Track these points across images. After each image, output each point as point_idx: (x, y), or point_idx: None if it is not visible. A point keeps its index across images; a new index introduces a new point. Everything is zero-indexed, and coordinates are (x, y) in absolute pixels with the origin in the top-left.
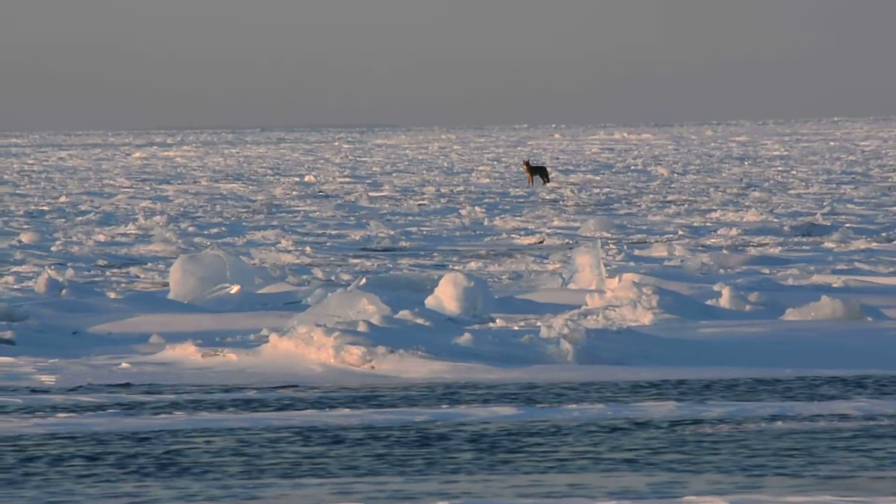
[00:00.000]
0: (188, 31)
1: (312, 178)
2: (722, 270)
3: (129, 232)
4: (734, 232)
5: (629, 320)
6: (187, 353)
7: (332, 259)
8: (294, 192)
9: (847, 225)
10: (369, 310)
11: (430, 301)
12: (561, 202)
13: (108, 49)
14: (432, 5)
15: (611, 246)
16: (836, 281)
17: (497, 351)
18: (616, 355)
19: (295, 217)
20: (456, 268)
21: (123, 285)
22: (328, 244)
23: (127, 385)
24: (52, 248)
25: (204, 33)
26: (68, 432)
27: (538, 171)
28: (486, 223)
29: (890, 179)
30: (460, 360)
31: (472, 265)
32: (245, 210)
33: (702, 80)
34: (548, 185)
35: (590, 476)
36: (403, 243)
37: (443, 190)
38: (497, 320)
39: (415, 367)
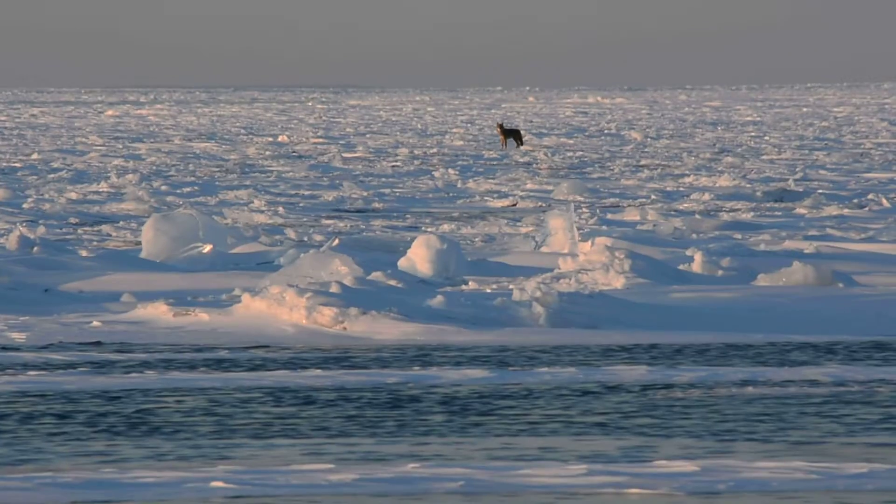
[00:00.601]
0: None
1: (286, 138)
2: (694, 235)
3: (101, 190)
4: (707, 197)
5: (601, 284)
6: (159, 312)
7: (304, 220)
8: (267, 152)
9: (819, 191)
10: (342, 271)
11: (402, 263)
12: (534, 165)
13: (81, 6)
14: None
15: (584, 210)
16: (808, 247)
17: (469, 313)
18: (588, 319)
19: (268, 177)
20: (429, 230)
21: (95, 243)
22: (301, 205)
23: (98, 343)
24: (24, 206)
25: None
26: (39, 390)
27: (512, 134)
28: (459, 185)
29: (862, 146)
30: (432, 322)
31: (445, 227)
32: (218, 169)
33: (676, 45)
34: (521, 147)
35: (561, 439)
36: (376, 205)
37: (416, 152)
38: (469, 283)
39: (387, 329)
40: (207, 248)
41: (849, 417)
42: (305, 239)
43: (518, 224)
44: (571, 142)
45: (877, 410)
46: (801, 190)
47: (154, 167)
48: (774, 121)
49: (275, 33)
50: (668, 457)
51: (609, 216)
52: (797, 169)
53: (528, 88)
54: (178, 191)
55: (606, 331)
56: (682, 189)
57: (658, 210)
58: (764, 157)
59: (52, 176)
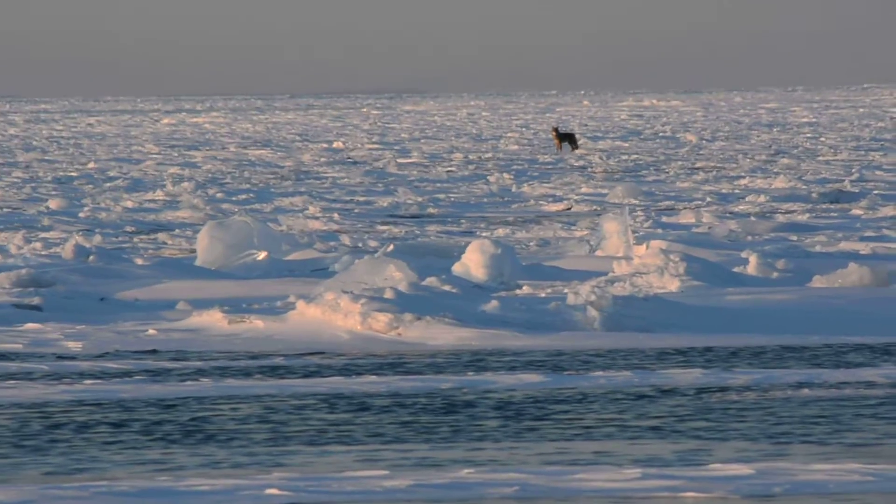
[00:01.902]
0: (217, 2)
1: (341, 144)
2: (749, 237)
3: (156, 198)
4: (762, 199)
5: (656, 287)
6: (214, 319)
7: (359, 226)
8: (322, 159)
9: (875, 192)
10: (396, 276)
11: (457, 268)
12: (589, 169)
13: (139, 15)
14: None
15: (638, 213)
16: (864, 248)
17: (524, 318)
18: (643, 322)
19: (323, 183)
20: (483, 234)
21: (151, 251)
22: (356, 211)
23: (153, 351)
24: (80, 214)
25: (234, 2)
26: (94, 399)
27: (567, 138)
28: (514, 190)
29: None
30: (487, 327)
31: (500, 232)
32: (273, 176)
33: (731, 48)
34: (576, 151)
35: (616, 443)
36: (431, 210)
37: (471, 157)
38: (524, 287)
39: (441, 334)
40: (262, 255)
41: None
42: (360, 245)
43: (573, 228)
44: (626, 145)
45: None
46: (856, 191)
47: (209, 175)
48: (830, 122)
49: (329, 40)
50: (724, 460)
51: (664, 219)
52: (853, 170)
53: (582, 92)
54: (234, 198)
55: (661, 334)
56: (737, 191)
57: (713, 212)
58: (820, 158)
59: (108, 185)
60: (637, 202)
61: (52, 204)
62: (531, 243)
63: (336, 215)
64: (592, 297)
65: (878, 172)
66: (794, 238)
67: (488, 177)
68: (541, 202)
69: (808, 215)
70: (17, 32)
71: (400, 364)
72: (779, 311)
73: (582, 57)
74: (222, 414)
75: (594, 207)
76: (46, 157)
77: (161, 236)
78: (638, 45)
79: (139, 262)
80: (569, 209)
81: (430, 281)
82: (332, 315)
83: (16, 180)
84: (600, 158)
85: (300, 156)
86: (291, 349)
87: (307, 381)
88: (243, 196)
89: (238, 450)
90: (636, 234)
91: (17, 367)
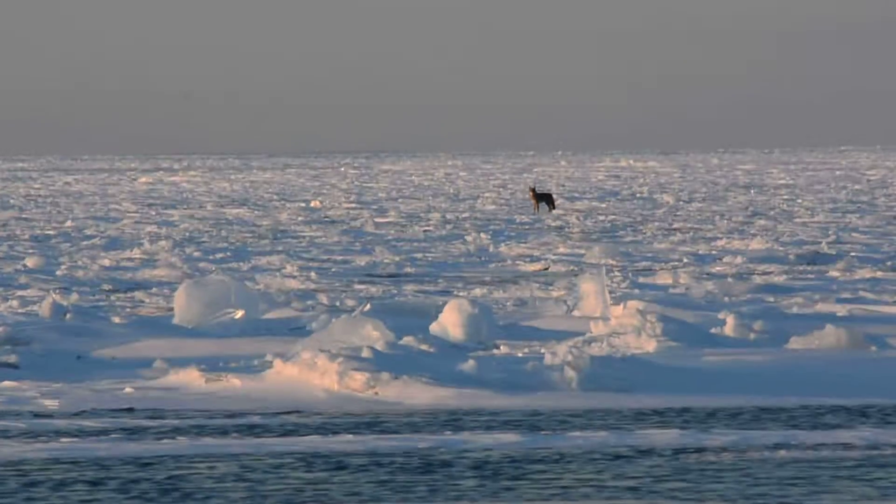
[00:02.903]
0: (194, 60)
1: (318, 203)
2: (727, 298)
3: (134, 257)
4: (739, 260)
5: (633, 348)
6: (191, 378)
7: (336, 285)
8: (299, 218)
9: (852, 254)
10: (373, 336)
11: (434, 327)
12: (566, 229)
13: (116, 75)
14: (437, 32)
15: (616, 273)
16: (841, 310)
17: (501, 378)
18: (620, 383)
19: (300, 242)
20: (461, 294)
21: (128, 310)
22: (333, 270)
23: (130, 410)
24: (57, 273)
25: (210, 61)
26: (71, 457)
27: (544, 198)
28: (491, 250)
29: (895, 209)
30: (464, 387)
31: (477, 292)
32: (250, 235)
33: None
34: (553, 211)
35: None
36: (408, 269)
37: (448, 216)
38: (501, 347)
39: (418, 394)
40: (239, 313)
41: (883, 481)
42: (337, 304)
43: (550, 288)
44: (604, 205)
45: None
46: (833, 253)
47: (187, 233)
48: (807, 184)
49: (306, 100)
50: None
51: (641, 280)
52: (830, 232)
53: (560, 152)
54: (211, 257)
55: (638, 394)
56: (714, 252)
57: (690, 273)
58: (797, 219)
59: (85, 243)
60: (614, 263)
61: (29, 262)
62: (508, 303)
63: (313, 274)
64: (570, 358)
65: (854, 234)
66: (772, 299)
67: (465, 236)
68: (518, 262)
69: (784, 277)
70: None
71: (377, 423)
72: (756, 373)
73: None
74: (199, 473)
75: (571, 268)
76: (24, 216)
77: (138, 295)
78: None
79: (116, 320)
80: (546, 269)
81: (408, 340)
82: (309, 374)
83: None
84: (577, 219)
85: (277, 215)
86: (268, 408)
87: (284, 439)
88: (220, 255)
89: None
90: (613, 295)
91: None
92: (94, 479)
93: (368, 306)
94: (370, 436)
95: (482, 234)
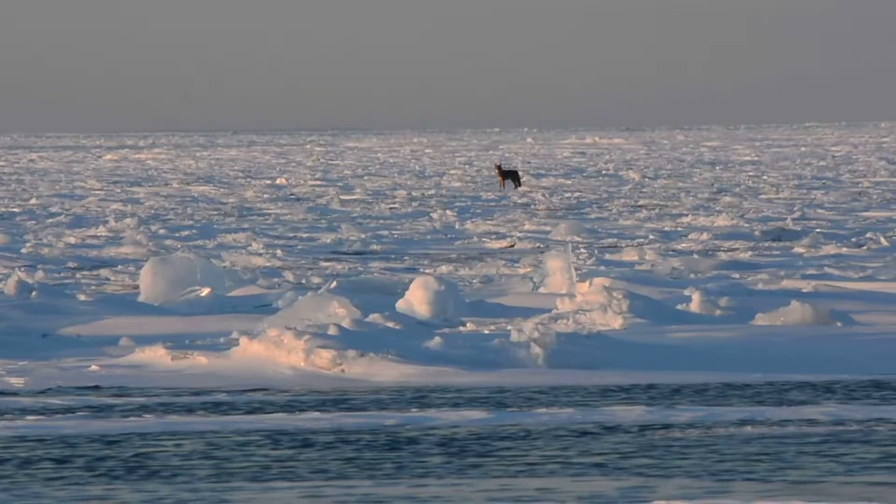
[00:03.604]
0: (159, 36)
1: (284, 180)
2: (692, 275)
3: (99, 234)
4: (705, 236)
5: (599, 324)
6: (157, 355)
7: (302, 262)
8: (265, 195)
9: (817, 230)
10: (340, 313)
11: (400, 305)
12: (532, 206)
13: (80, 52)
14: (404, 10)
15: (582, 250)
16: (806, 286)
17: (467, 355)
18: (586, 359)
19: (266, 220)
20: (427, 271)
21: (94, 288)
22: (299, 247)
23: (96, 387)
24: (22, 251)
25: (175, 37)
26: (37, 435)
27: (510, 175)
28: (457, 227)
29: (860, 185)
30: (430, 364)
31: (443, 269)
32: (216, 213)
33: (673, 86)
34: (519, 188)
35: (559, 480)
36: (374, 247)
37: (414, 193)
38: (467, 324)
39: (385, 371)
40: (205, 291)
41: (847, 456)
42: (303, 281)
43: (516, 265)
44: (569, 182)
45: (875, 449)
46: (799, 229)
47: (152, 211)
48: (772, 160)
49: (273, 76)
50: (667, 497)
51: (607, 256)
52: (795, 208)
53: (525, 129)
54: (177, 234)
55: (604, 371)
56: (679, 229)
57: (656, 250)
58: (762, 196)
59: (50, 220)
60: (580, 239)
61: None
62: (474, 280)
63: (279, 252)
64: (536, 335)
65: (819, 211)
66: (737, 276)
67: (431, 214)
68: (484, 239)
69: (750, 253)
70: None
71: (343, 400)
72: (721, 349)
73: (525, 94)
74: (165, 450)
75: (537, 245)
76: None
77: (104, 272)
78: (580, 83)
79: (82, 297)
80: (512, 246)
81: (374, 317)
82: (275, 351)
83: None
84: (543, 196)
85: (243, 192)
86: (234, 385)
87: (250, 417)
88: (186, 232)
89: (181, 486)
90: (579, 272)
91: None
92: (60, 456)
93: (335, 284)
94: (337, 413)
95: (448, 212)
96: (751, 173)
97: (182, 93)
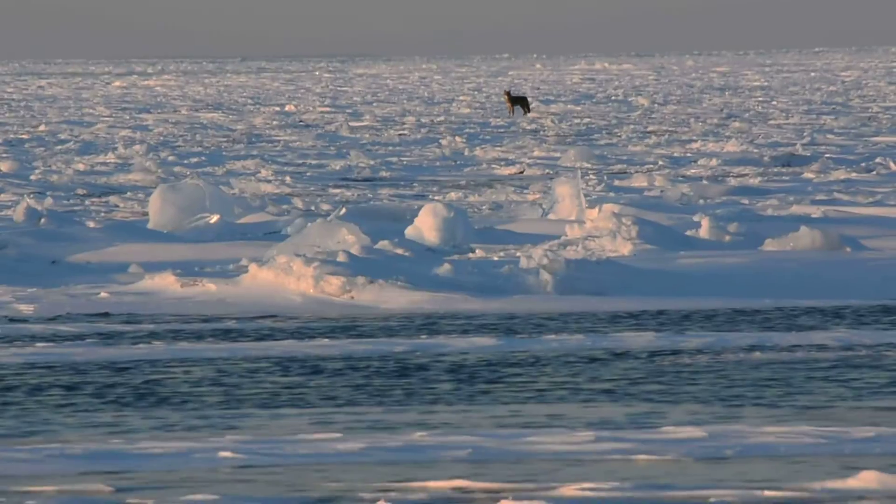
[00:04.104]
0: None
1: (293, 107)
2: (701, 201)
3: (108, 161)
4: (714, 162)
5: (609, 251)
6: (166, 282)
7: (311, 189)
8: (274, 122)
9: (827, 155)
10: (349, 240)
11: (409, 231)
12: (541, 132)
13: None
14: None
15: (591, 176)
16: (816, 211)
17: (476, 281)
18: (595, 286)
19: (275, 147)
20: (436, 198)
21: (103, 214)
22: (308, 174)
23: (106, 314)
24: (31, 177)
25: None
26: (46, 362)
27: (519, 101)
28: (466, 153)
29: (870, 110)
30: (440, 291)
31: (453, 195)
32: (225, 140)
33: (683, 11)
34: (528, 115)
35: (569, 406)
36: (384, 173)
37: (423, 120)
38: (477, 251)
39: (394, 298)
40: (214, 218)
41: (856, 382)
42: (312, 208)
43: (525, 192)
44: (578, 108)
45: (884, 374)
46: (808, 154)
47: (161, 138)
48: (782, 85)
49: (280, 4)
50: (676, 423)
51: (616, 183)
52: (805, 133)
53: (535, 55)
54: (186, 161)
55: (614, 297)
56: (689, 155)
57: (665, 176)
58: (771, 122)
59: (59, 147)
60: (589, 166)
61: (3, 166)
62: (484, 207)
63: (288, 178)
64: (545, 261)
65: (829, 136)
66: (746, 202)
67: (440, 140)
68: (493, 166)
69: (759, 179)
70: None
71: (353, 327)
72: (731, 275)
73: (534, 20)
74: (175, 377)
75: (546, 171)
76: None
77: (113, 199)
78: (590, 9)
79: (91, 224)
80: (521, 173)
81: (383, 244)
82: (284, 278)
83: None
84: (552, 122)
85: (252, 119)
86: (244, 312)
87: (260, 344)
88: (195, 159)
89: (191, 413)
90: (588, 198)
91: None
92: (69, 383)
93: (344, 210)
94: (346, 340)
95: (457, 138)
96: (760, 99)
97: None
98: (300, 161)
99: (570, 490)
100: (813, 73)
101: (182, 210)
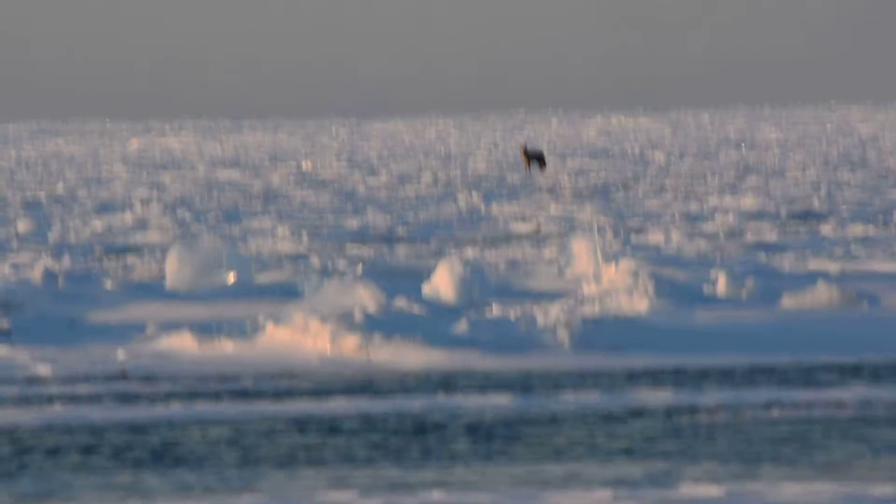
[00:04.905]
0: (185, 21)
1: (309, 164)
2: (718, 256)
3: (125, 220)
4: (731, 218)
5: (625, 307)
6: (183, 341)
7: (328, 247)
8: (291, 179)
9: (844, 210)
10: (365, 298)
11: (426, 289)
12: (558, 188)
13: (106, 36)
14: None
15: (607, 232)
16: (833, 267)
17: (493, 339)
18: (612, 343)
19: (291, 204)
20: (452, 255)
21: (120, 274)
22: (325, 232)
23: (123, 375)
24: (49, 237)
25: (201, 21)
26: (64, 423)
27: (535, 157)
28: (482, 210)
29: (887, 164)
30: (456, 348)
31: (469, 252)
32: (242, 197)
33: (698, 66)
34: (545, 171)
35: (586, 465)
36: (400, 230)
37: (440, 176)
38: (493, 308)
39: (411, 356)
40: (231, 277)
41: (875, 438)
42: (329, 266)
43: (542, 248)
44: (595, 164)
45: None
46: (825, 209)
47: (178, 196)
48: (798, 140)
49: (298, 62)
50: (694, 480)
51: (633, 238)
52: (821, 188)
53: (551, 110)
54: (202, 219)
55: (631, 354)
56: (705, 210)
57: (682, 231)
58: (788, 176)
59: (76, 207)
60: (606, 222)
61: (21, 226)
62: (500, 264)
63: (305, 236)
64: (562, 318)
65: (846, 191)
66: (763, 257)
67: (457, 197)
68: (509, 222)
69: (776, 234)
70: None
71: (370, 386)
72: (748, 331)
73: (550, 75)
74: (192, 437)
75: (563, 227)
76: (15, 179)
77: (130, 258)
78: (606, 64)
79: (108, 284)
80: (538, 229)
81: (400, 302)
82: (301, 337)
83: None
84: (569, 178)
85: (269, 177)
86: (261, 371)
87: (277, 403)
88: (212, 217)
89: (208, 473)
90: (605, 254)
91: None
92: (87, 444)
93: (360, 268)
94: (362, 399)
95: (474, 194)
96: (777, 153)
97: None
98: (316, 219)
99: None
100: (829, 128)
101: (199, 269)
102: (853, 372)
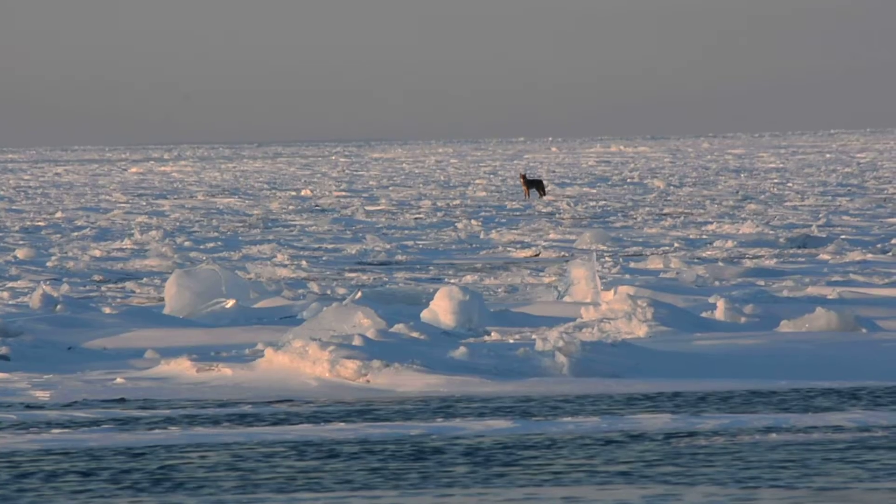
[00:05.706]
0: (184, 48)
1: (309, 192)
2: (717, 282)
3: (124, 247)
4: (730, 244)
5: (624, 333)
6: (182, 367)
7: (327, 273)
8: (290, 207)
9: (842, 237)
10: (364, 323)
11: (425, 315)
12: (557, 215)
13: (105, 65)
14: (428, 20)
15: (606, 258)
16: (832, 293)
17: (492, 364)
18: (611, 368)
19: (291, 231)
20: (451, 281)
21: (119, 300)
22: (324, 258)
23: (122, 400)
24: (48, 264)
25: (201, 49)
26: (62, 448)
27: (534, 185)
28: (482, 236)
29: (885, 191)
30: (455, 374)
31: (468, 278)
32: (241, 224)
33: (698, 94)
34: (544, 198)
35: (585, 489)
36: (399, 257)
37: (439, 203)
38: (492, 333)
39: (410, 381)
40: (230, 303)
41: (873, 463)
42: (328, 292)
43: (541, 274)
44: (594, 191)
45: None
46: (824, 236)
47: (177, 223)
48: (797, 167)
49: (298, 90)
50: None
51: (632, 265)
52: (820, 215)
53: (550, 138)
54: (202, 246)
55: (629, 379)
56: (704, 237)
57: (681, 258)
58: (787, 203)
59: (75, 234)
60: (605, 248)
61: (20, 253)
62: (499, 290)
63: (304, 263)
64: (561, 344)
65: (844, 217)
66: (762, 283)
67: (456, 223)
68: (509, 249)
69: (775, 260)
70: None
71: (368, 411)
72: (747, 356)
73: (550, 103)
74: (191, 462)
75: (562, 254)
76: (14, 207)
77: (129, 285)
78: (605, 91)
79: (107, 310)
80: (537, 255)
81: (399, 328)
82: (300, 362)
83: None
84: (568, 205)
85: (268, 204)
86: (260, 397)
87: (276, 428)
88: (211, 244)
89: (207, 498)
90: (604, 280)
91: None
92: (85, 469)
93: (359, 294)
94: (362, 423)
95: (473, 221)
96: (776, 180)
97: (184, 94)
98: (316, 245)
99: None
100: (828, 155)
101: (198, 295)
102: (852, 397)
